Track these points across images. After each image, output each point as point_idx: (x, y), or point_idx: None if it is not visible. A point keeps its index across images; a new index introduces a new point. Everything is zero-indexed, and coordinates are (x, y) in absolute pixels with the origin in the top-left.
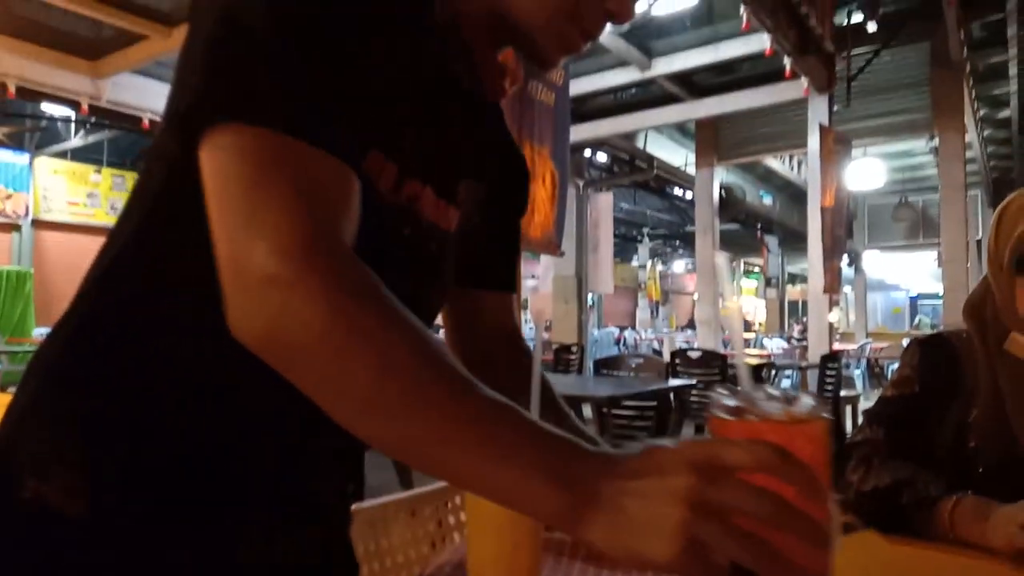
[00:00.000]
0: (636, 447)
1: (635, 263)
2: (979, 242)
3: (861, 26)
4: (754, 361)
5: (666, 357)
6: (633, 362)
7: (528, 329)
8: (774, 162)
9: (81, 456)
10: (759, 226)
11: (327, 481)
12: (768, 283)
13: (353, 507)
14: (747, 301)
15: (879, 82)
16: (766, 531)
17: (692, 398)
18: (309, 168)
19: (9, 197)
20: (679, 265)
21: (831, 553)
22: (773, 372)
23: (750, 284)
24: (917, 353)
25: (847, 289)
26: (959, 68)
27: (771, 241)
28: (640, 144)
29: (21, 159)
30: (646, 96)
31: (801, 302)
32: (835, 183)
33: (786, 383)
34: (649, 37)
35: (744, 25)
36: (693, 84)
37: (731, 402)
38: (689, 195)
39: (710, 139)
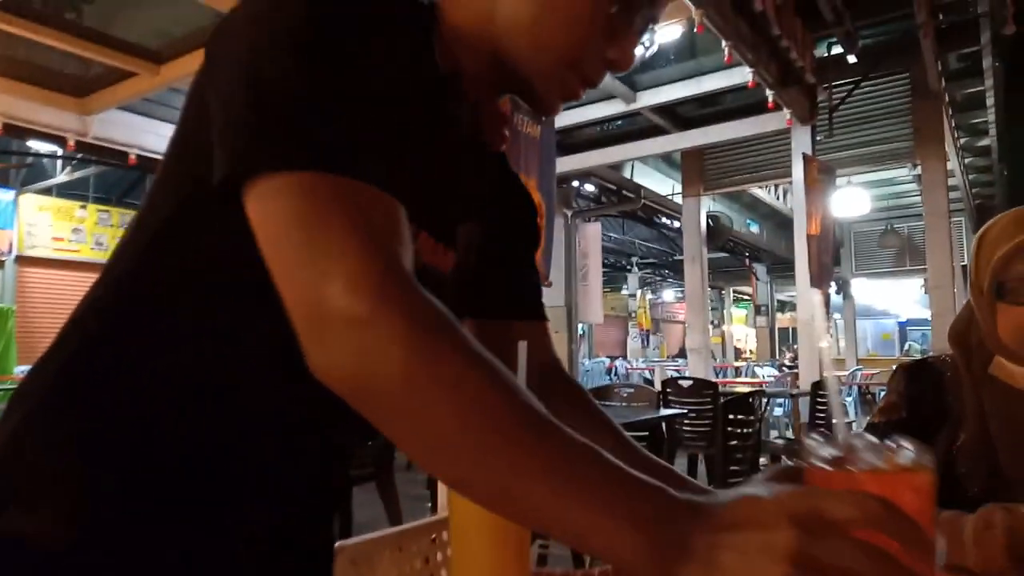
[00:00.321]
0: (729, 495)
1: (625, 292)
2: (964, 268)
3: (841, 58)
4: (745, 389)
5: (657, 386)
6: (624, 392)
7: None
8: (760, 191)
9: (73, 485)
10: (747, 254)
11: (308, 519)
12: (758, 311)
13: (338, 544)
14: (737, 329)
15: (861, 112)
16: None
17: (685, 427)
18: (364, 205)
19: None
20: (669, 294)
21: None
22: (765, 400)
23: (740, 312)
24: (903, 379)
25: (836, 316)
26: (938, 98)
27: (759, 269)
28: (627, 174)
29: (6, 196)
30: (632, 128)
31: (791, 329)
32: (820, 211)
33: (778, 411)
34: (634, 71)
35: (726, 59)
36: (678, 116)
37: (828, 450)
38: (677, 224)
39: (696, 169)
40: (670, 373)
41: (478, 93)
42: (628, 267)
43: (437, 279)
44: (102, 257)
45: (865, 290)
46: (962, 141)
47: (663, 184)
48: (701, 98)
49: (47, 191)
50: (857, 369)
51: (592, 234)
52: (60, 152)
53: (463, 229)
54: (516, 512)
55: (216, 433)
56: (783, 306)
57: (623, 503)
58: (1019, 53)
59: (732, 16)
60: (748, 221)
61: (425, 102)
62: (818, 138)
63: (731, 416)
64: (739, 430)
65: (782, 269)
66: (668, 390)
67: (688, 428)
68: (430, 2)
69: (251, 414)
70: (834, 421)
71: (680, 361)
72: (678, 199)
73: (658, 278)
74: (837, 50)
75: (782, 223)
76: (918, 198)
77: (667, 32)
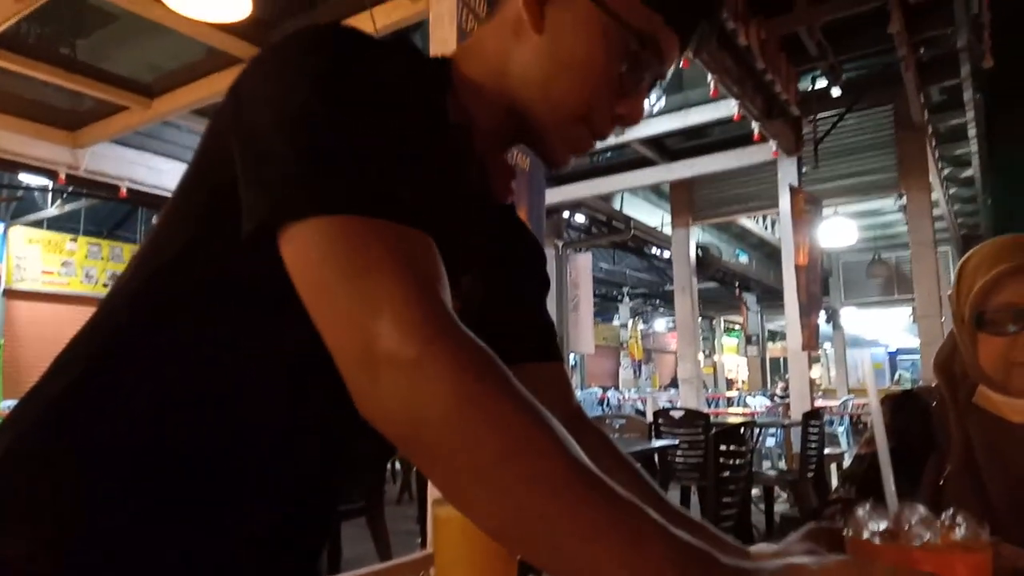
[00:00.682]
0: (775, 564)
1: (616, 322)
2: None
3: (825, 91)
4: (737, 420)
5: (649, 417)
6: (616, 423)
7: None
8: (748, 222)
9: (68, 499)
10: (737, 284)
11: (308, 519)
12: (749, 340)
13: None
14: (729, 359)
15: (846, 144)
16: None
17: (677, 458)
18: (405, 246)
19: None
20: (660, 324)
21: None
22: (756, 431)
23: (731, 342)
24: (889, 410)
25: (827, 346)
26: (921, 130)
27: (749, 299)
28: (617, 205)
29: None
30: (621, 159)
31: (783, 359)
32: (808, 242)
33: (771, 441)
34: None
35: (712, 92)
36: (666, 148)
37: (880, 523)
38: (667, 254)
39: (685, 200)
40: (662, 403)
41: (488, 145)
42: (619, 297)
43: None
44: (91, 290)
45: (855, 319)
46: (946, 172)
47: (652, 215)
48: (688, 131)
49: (37, 224)
50: (848, 398)
51: (583, 265)
52: (51, 185)
53: (467, 279)
54: (559, 564)
55: (217, 439)
56: (774, 336)
57: (673, 565)
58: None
59: (717, 51)
60: (737, 251)
61: (435, 154)
62: (804, 169)
63: (722, 447)
64: (731, 461)
65: (772, 299)
66: (660, 421)
67: (681, 459)
68: (444, 57)
69: (252, 421)
70: (887, 493)
71: (672, 391)
72: (667, 230)
73: (649, 308)
74: (821, 83)
75: (771, 253)
76: (904, 228)
77: None
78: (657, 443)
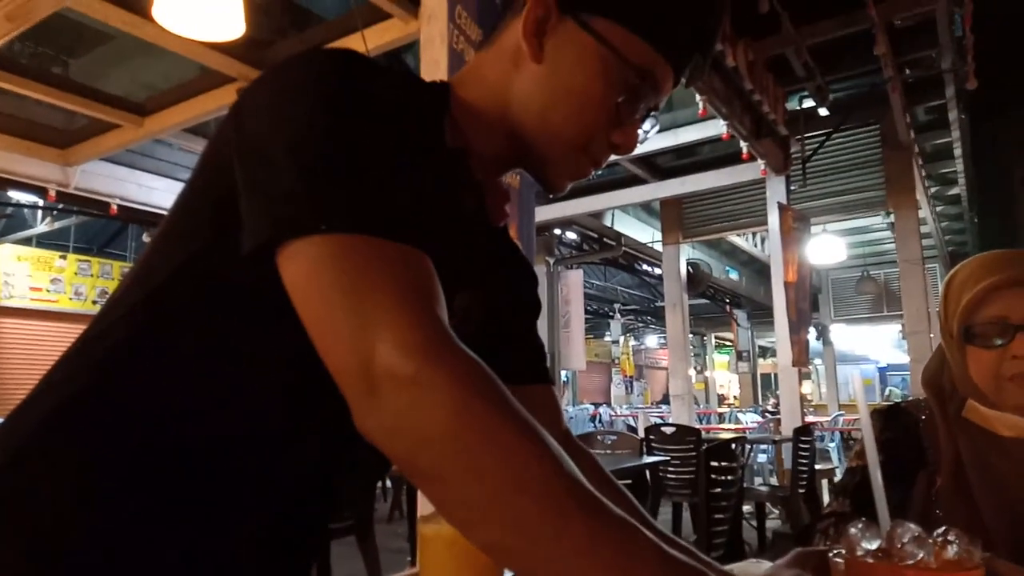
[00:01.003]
0: None
1: (608, 339)
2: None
3: (813, 111)
4: (728, 435)
5: (640, 433)
6: (607, 439)
7: None
8: (738, 239)
9: (68, 503)
10: (727, 301)
11: (308, 520)
12: (740, 357)
13: None
14: (720, 375)
15: (833, 163)
16: None
17: (669, 474)
18: (403, 265)
19: None
20: (652, 340)
21: None
22: (748, 447)
23: (722, 358)
24: (879, 423)
25: (817, 362)
26: (908, 149)
27: (740, 315)
28: (608, 222)
29: None
30: (612, 177)
31: (773, 375)
32: (796, 259)
33: (762, 457)
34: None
35: (701, 112)
36: (656, 166)
37: (872, 542)
38: (658, 271)
39: (675, 217)
40: (653, 419)
41: (484, 169)
42: (611, 314)
43: None
44: (81, 307)
45: (844, 336)
46: (933, 190)
47: (643, 232)
48: (679, 149)
49: (26, 241)
50: (839, 415)
51: (574, 281)
52: (41, 202)
53: (460, 298)
54: None
55: (222, 446)
56: (764, 352)
57: None
58: (983, 106)
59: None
60: (727, 268)
61: (433, 175)
62: (792, 187)
63: (714, 463)
64: (722, 477)
65: (762, 315)
66: (651, 437)
67: (672, 475)
68: (443, 82)
69: (256, 428)
70: (879, 511)
71: (664, 407)
72: (658, 246)
73: (640, 324)
74: (809, 103)
75: (761, 270)
76: (893, 245)
77: None
78: (648, 459)
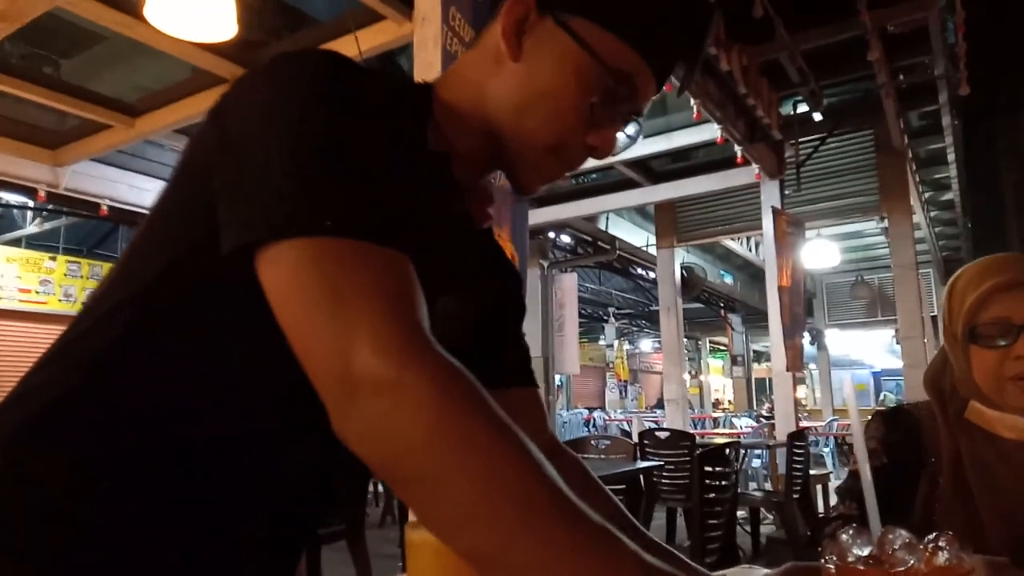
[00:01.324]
0: None
1: (602, 342)
2: (934, 318)
3: (807, 116)
4: (722, 440)
5: (635, 438)
6: (601, 444)
7: None
8: (732, 243)
9: (63, 504)
10: (722, 305)
11: (306, 519)
12: (734, 361)
13: None
14: (715, 380)
15: (827, 167)
16: None
17: (663, 480)
18: (384, 270)
19: None
20: (646, 344)
21: None
22: (742, 452)
23: (716, 363)
24: (881, 426)
25: (812, 366)
26: (901, 154)
27: (735, 319)
28: (602, 226)
29: None
30: (606, 181)
31: (768, 380)
32: (791, 263)
33: (756, 462)
34: None
35: (695, 115)
36: (650, 170)
37: (863, 549)
38: (652, 275)
39: (669, 221)
40: (648, 424)
41: (466, 170)
42: (605, 317)
43: None
44: (70, 309)
45: (839, 340)
46: (927, 195)
47: (637, 235)
48: (673, 153)
49: (16, 242)
50: (833, 419)
51: (568, 285)
52: (31, 203)
53: (443, 301)
54: None
55: (216, 444)
56: (759, 356)
57: None
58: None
59: (700, 76)
60: (722, 272)
61: (416, 178)
62: (786, 192)
63: (708, 468)
64: (716, 482)
65: (757, 320)
66: (645, 442)
67: (666, 480)
68: (427, 83)
69: (250, 426)
70: (870, 517)
71: (658, 412)
72: (653, 250)
73: (635, 328)
74: (803, 108)
75: (755, 274)
76: (886, 250)
77: None
78: (643, 464)
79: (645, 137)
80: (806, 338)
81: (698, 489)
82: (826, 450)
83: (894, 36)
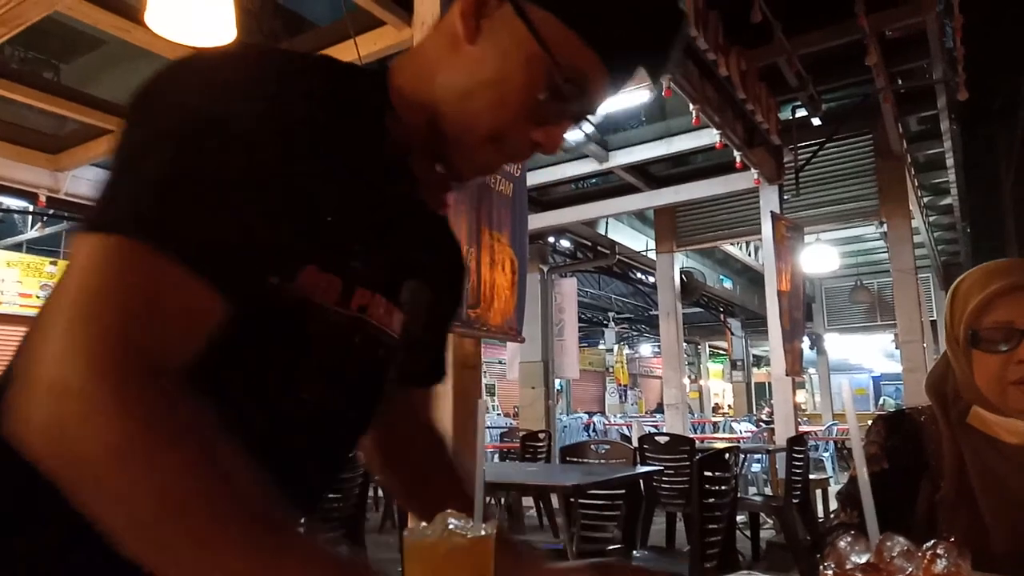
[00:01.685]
0: None
1: (602, 347)
2: (933, 323)
3: (805, 120)
4: (722, 445)
5: (634, 442)
6: (600, 448)
7: (497, 416)
8: (731, 247)
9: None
10: (721, 309)
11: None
12: (734, 366)
13: None
14: (715, 384)
15: (826, 172)
16: None
17: (663, 484)
18: (154, 286)
19: None
20: (646, 348)
21: None
22: (742, 457)
23: (716, 367)
24: (883, 430)
25: (811, 371)
26: (900, 159)
27: (734, 324)
28: (601, 230)
29: None
30: (606, 186)
31: (768, 384)
32: (790, 268)
33: (756, 467)
34: (606, 132)
35: (694, 120)
36: (650, 175)
37: (861, 556)
38: (652, 279)
39: (668, 226)
40: (647, 429)
41: (422, 160)
42: (605, 322)
43: (388, 342)
44: None
45: (838, 345)
46: (926, 200)
47: (637, 240)
48: (672, 158)
49: (16, 247)
50: (833, 424)
51: (568, 289)
52: (31, 208)
53: (407, 287)
54: None
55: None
56: (759, 361)
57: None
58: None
59: (699, 81)
60: (721, 277)
61: (367, 167)
62: (785, 197)
63: (707, 473)
64: (716, 487)
65: (756, 324)
66: (645, 446)
67: (666, 485)
68: (382, 67)
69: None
70: (868, 523)
71: (658, 416)
72: (652, 255)
73: (635, 333)
74: (801, 113)
75: (754, 279)
76: (886, 255)
77: (637, 95)
78: (642, 469)
79: (644, 142)
80: (805, 342)
81: (698, 494)
82: (826, 455)
83: (892, 40)
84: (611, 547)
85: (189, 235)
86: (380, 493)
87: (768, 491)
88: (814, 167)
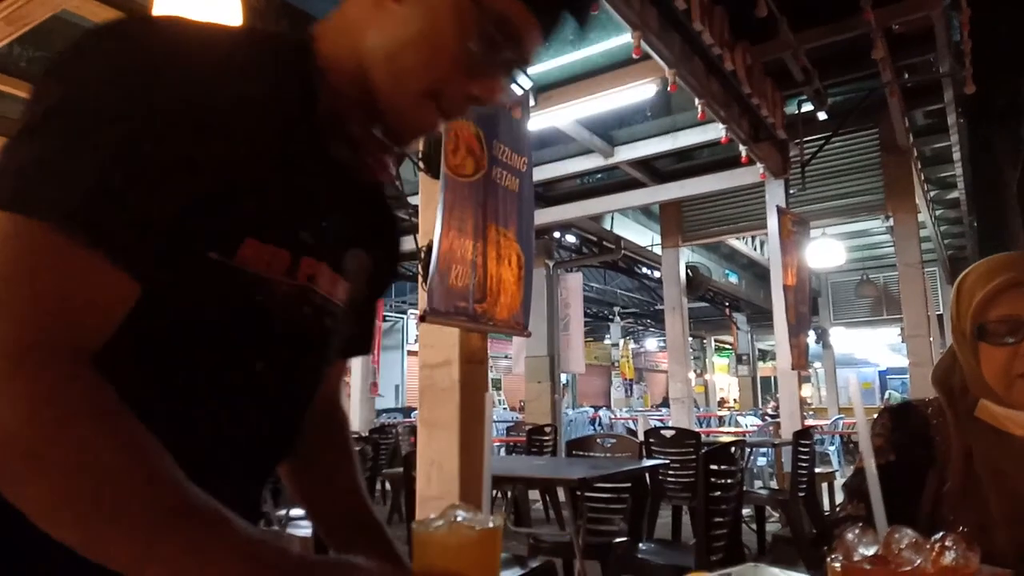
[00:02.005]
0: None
1: (608, 342)
2: (939, 317)
3: (811, 115)
4: (727, 439)
5: (640, 436)
6: (606, 442)
7: (503, 410)
8: (737, 242)
9: None
10: (727, 304)
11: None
12: (739, 360)
13: None
14: (720, 378)
15: (832, 166)
16: None
17: (669, 478)
18: (66, 270)
19: None
20: (652, 343)
21: None
22: (748, 450)
23: (722, 361)
24: (889, 422)
25: (817, 365)
26: (907, 153)
27: (739, 318)
28: (607, 226)
29: None
30: (611, 181)
31: (773, 378)
32: (796, 262)
33: (762, 461)
34: (611, 127)
35: (700, 115)
36: (655, 169)
37: (869, 548)
38: (657, 274)
39: (674, 220)
40: (653, 423)
41: (357, 126)
42: (610, 317)
43: (334, 311)
44: None
45: (844, 339)
46: (932, 194)
47: (642, 235)
48: (677, 152)
49: None
50: (838, 418)
51: (573, 284)
52: None
53: (350, 256)
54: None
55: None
56: (764, 355)
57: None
58: (982, 110)
59: (704, 76)
60: (727, 271)
61: (303, 139)
62: (791, 191)
63: (713, 466)
64: (721, 480)
65: (762, 318)
66: (651, 440)
67: (671, 479)
68: (306, 35)
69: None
70: (876, 516)
71: (664, 410)
72: (657, 250)
73: (640, 327)
74: (807, 107)
75: (760, 273)
76: (892, 249)
77: (643, 90)
78: (648, 462)
79: (650, 137)
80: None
81: (703, 487)
82: (831, 448)
83: (899, 34)
84: (617, 540)
85: (103, 217)
86: (388, 487)
87: (774, 485)
88: (820, 161)
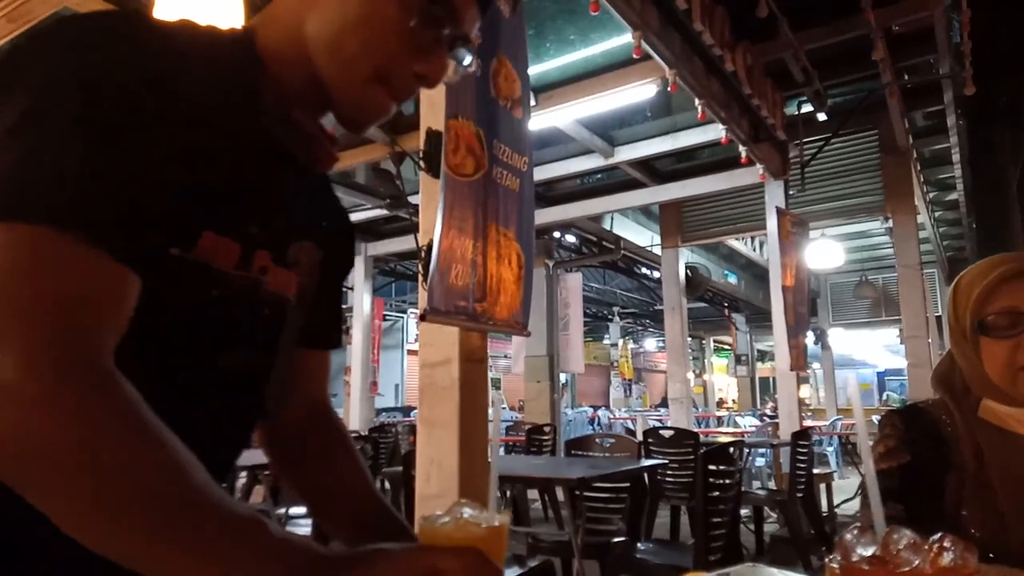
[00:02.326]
0: (364, 550)
1: (607, 342)
2: (938, 318)
3: (811, 116)
4: (726, 439)
5: (639, 436)
6: (605, 442)
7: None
8: (736, 243)
9: None
10: (726, 304)
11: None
12: (738, 360)
13: None
14: (719, 379)
15: (832, 167)
16: None
17: (667, 478)
18: (74, 271)
19: None
20: (651, 343)
21: None
22: (746, 451)
23: (721, 362)
24: (899, 424)
25: (815, 366)
26: (906, 154)
27: (738, 319)
28: (607, 226)
29: None
30: (611, 181)
31: (772, 379)
32: (795, 263)
33: (760, 461)
34: (611, 127)
35: (700, 116)
36: (655, 170)
37: (868, 549)
38: (657, 274)
39: (674, 221)
40: (652, 423)
41: (304, 118)
42: (610, 317)
43: (283, 303)
44: None
45: (843, 340)
46: (931, 195)
47: (642, 235)
48: (677, 153)
49: None
50: (837, 419)
51: (573, 284)
52: None
53: (296, 248)
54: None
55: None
56: (763, 355)
57: (260, 560)
58: (982, 112)
59: (704, 76)
60: (726, 272)
61: (250, 132)
62: (791, 192)
63: (711, 467)
64: (720, 481)
65: (760, 319)
66: (649, 440)
67: (670, 479)
68: (245, 29)
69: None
70: (874, 515)
71: (662, 410)
72: (657, 250)
73: (639, 327)
74: (807, 108)
75: (759, 274)
76: (891, 250)
77: (643, 90)
78: (647, 462)
79: (650, 137)
80: (810, 337)
81: (702, 487)
82: (830, 449)
83: (899, 35)
84: (616, 539)
85: (92, 217)
86: (387, 486)
87: (772, 485)
88: (819, 162)
